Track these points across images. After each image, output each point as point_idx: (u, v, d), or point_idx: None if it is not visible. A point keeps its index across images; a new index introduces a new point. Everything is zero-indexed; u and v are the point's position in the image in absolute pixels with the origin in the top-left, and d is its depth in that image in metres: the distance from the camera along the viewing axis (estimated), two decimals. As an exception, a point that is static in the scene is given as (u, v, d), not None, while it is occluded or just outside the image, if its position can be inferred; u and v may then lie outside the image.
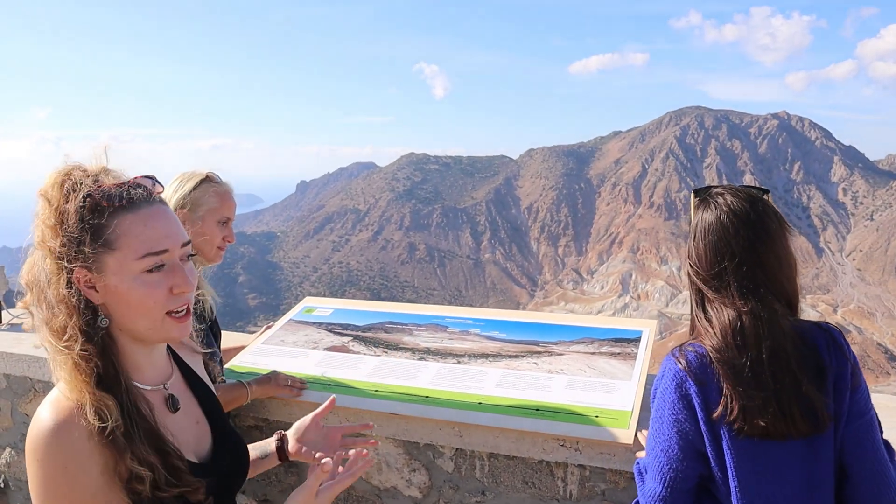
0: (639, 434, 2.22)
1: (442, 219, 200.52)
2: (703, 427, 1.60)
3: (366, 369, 2.81)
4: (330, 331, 3.16)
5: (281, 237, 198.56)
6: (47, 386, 3.41)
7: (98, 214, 1.27)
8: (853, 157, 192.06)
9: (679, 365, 1.63)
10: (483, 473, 2.57)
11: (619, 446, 2.30)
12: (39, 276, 1.29)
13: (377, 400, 2.61)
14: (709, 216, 1.75)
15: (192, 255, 1.37)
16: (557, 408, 2.44)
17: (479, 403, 2.51)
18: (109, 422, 1.22)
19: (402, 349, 2.94)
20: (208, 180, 2.48)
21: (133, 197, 1.30)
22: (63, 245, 1.25)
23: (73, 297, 1.27)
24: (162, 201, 1.36)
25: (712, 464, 1.61)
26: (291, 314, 3.38)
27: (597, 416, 2.37)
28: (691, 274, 1.75)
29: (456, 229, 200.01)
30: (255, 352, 3.02)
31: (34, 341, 2.82)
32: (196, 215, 2.42)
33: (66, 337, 1.25)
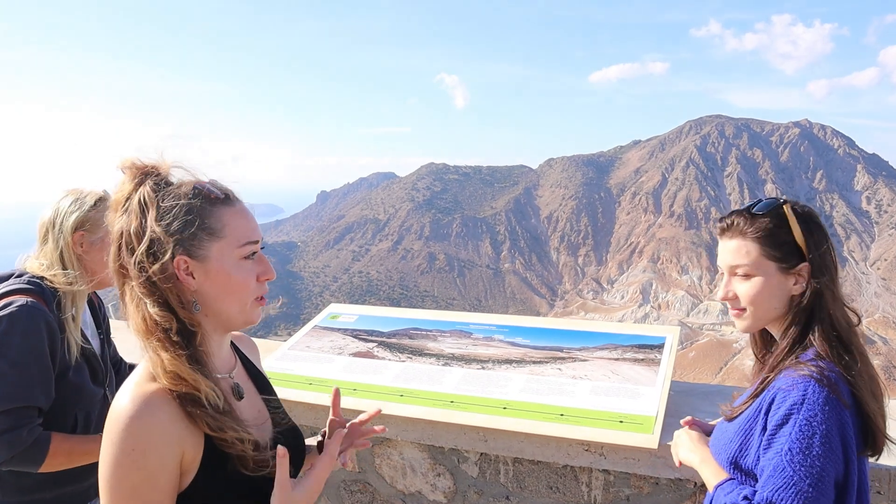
0: (682, 447, 1.99)
1: (461, 228, 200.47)
2: (850, 457, 1.55)
3: (390, 374, 2.84)
4: (355, 337, 3.20)
5: (301, 247, 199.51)
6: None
7: (207, 204, 1.41)
8: (877, 165, 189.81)
9: (835, 394, 1.56)
10: (507, 478, 2.59)
11: (643, 451, 2.31)
12: (130, 264, 1.38)
13: (402, 404, 2.64)
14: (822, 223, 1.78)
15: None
16: (582, 413, 2.45)
17: (504, 408, 2.53)
18: (220, 402, 1.34)
19: (426, 355, 2.96)
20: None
21: (229, 193, 1.45)
22: (165, 234, 1.36)
23: (170, 284, 1.37)
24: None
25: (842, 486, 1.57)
26: (317, 320, 3.42)
27: (621, 422, 2.38)
28: (820, 272, 1.70)
29: (475, 239, 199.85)
30: (282, 357, 3.06)
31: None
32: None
33: (162, 323, 1.35)
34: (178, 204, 1.38)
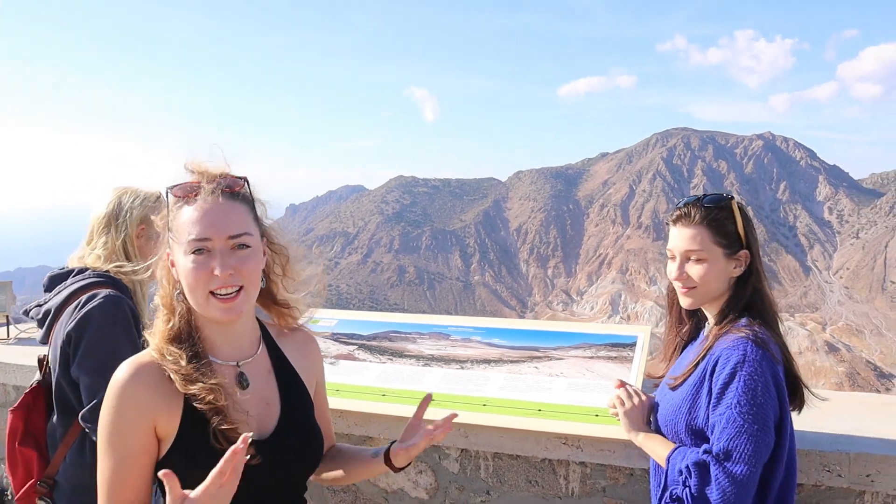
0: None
1: (431, 241, 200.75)
2: (784, 404, 1.83)
3: (372, 375, 2.90)
4: (336, 340, 3.26)
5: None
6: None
7: (173, 205, 1.54)
8: (838, 177, 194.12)
9: (769, 352, 1.82)
10: (488, 473, 2.67)
11: (618, 443, 2.40)
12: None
13: (385, 403, 2.70)
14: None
15: (244, 246, 1.52)
16: (558, 408, 2.54)
17: (484, 405, 2.61)
18: (181, 365, 1.49)
19: (406, 356, 3.04)
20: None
21: (193, 193, 1.53)
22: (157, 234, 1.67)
23: (165, 275, 1.58)
24: (226, 196, 1.54)
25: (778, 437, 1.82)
26: (296, 325, 3.47)
27: (596, 416, 2.48)
28: (755, 259, 1.97)
29: (445, 251, 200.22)
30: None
31: (41, 353, 2.89)
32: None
33: (162, 306, 1.58)
34: (148, 202, 1.68)
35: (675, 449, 1.91)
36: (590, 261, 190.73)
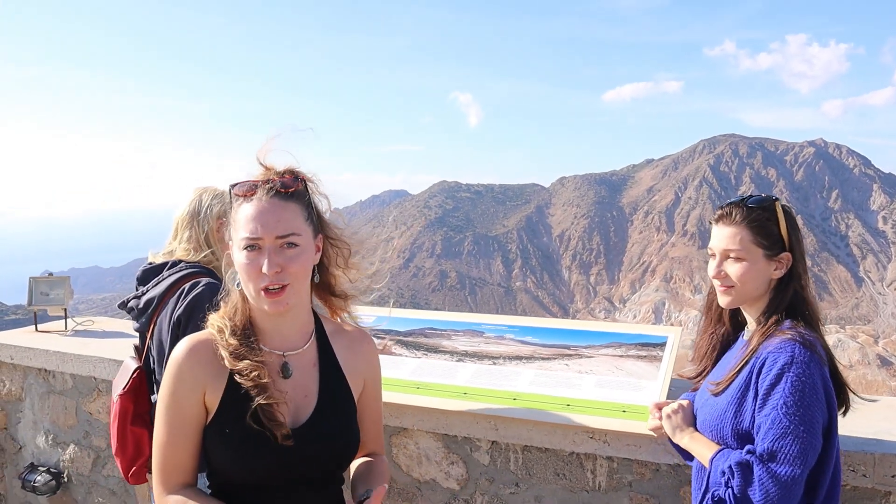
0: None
1: (473, 246, 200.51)
2: (833, 407, 1.83)
3: (407, 369, 3.02)
4: (373, 335, 3.37)
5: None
6: (110, 385, 3.67)
7: (234, 201, 1.69)
8: (893, 185, 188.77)
9: (817, 354, 1.82)
10: (517, 466, 2.76)
11: (645, 438, 2.47)
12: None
13: (419, 395, 2.82)
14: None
15: (292, 245, 1.64)
16: (587, 403, 2.62)
17: (514, 399, 2.70)
18: (233, 341, 1.66)
19: (441, 352, 3.14)
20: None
21: (253, 190, 1.66)
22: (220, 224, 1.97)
23: (228, 265, 1.75)
24: (280, 196, 1.66)
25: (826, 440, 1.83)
26: (336, 321, 3.61)
27: (624, 411, 2.55)
28: (798, 262, 1.98)
29: (487, 257, 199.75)
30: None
31: (99, 344, 3.05)
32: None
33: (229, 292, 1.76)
34: (225, 199, 1.77)
35: (720, 450, 1.90)
36: (633, 268, 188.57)
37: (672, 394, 2.67)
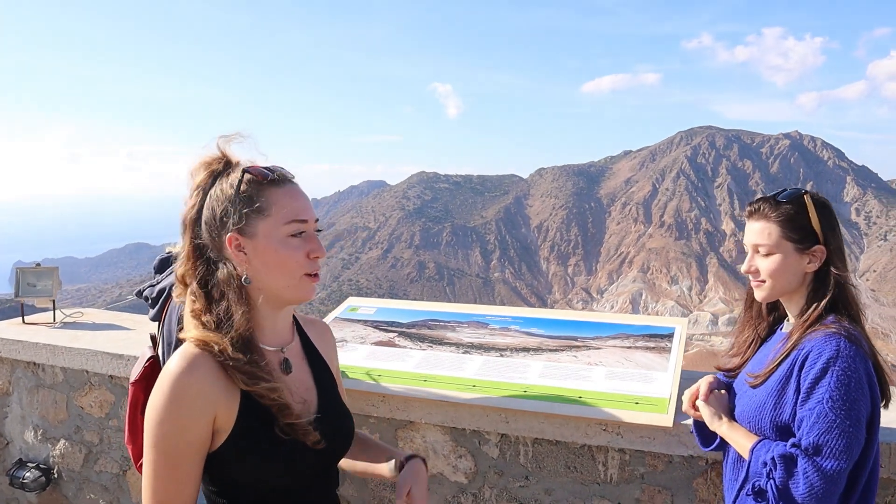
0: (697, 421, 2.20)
1: (451, 237, 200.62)
2: (876, 401, 1.82)
3: (413, 361, 2.97)
4: (375, 327, 3.33)
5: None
6: (102, 379, 3.59)
7: (258, 186, 1.55)
8: (866, 177, 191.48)
9: (862, 349, 1.81)
10: (527, 459, 2.72)
11: (658, 430, 2.45)
12: (190, 245, 1.57)
13: (427, 388, 2.77)
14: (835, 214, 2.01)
15: (319, 231, 1.62)
16: (599, 395, 2.59)
17: (525, 391, 2.66)
18: (242, 358, 1.49)
19: (446, 344, 3.10)
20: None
21: (279, 175, 1.58)
22: (223, 214, 1.54)
23: (223, 260, 1.55)
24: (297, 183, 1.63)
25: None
26: (336, 313, 3.55)
27: (637, 403, 2.52)
28: (834, 254, 1.95)
29: (465, 248, 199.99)
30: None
31: (91, 337, 2.96)
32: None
33: (201, 298, 1.54)
34: (231, 185, 1.54)
35: (760, 441, 1.89)
36: (611, 259, 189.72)
37: (683, 385, 2.66)
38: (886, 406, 1.93)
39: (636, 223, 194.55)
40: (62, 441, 3.82)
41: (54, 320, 4.17)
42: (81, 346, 3.62)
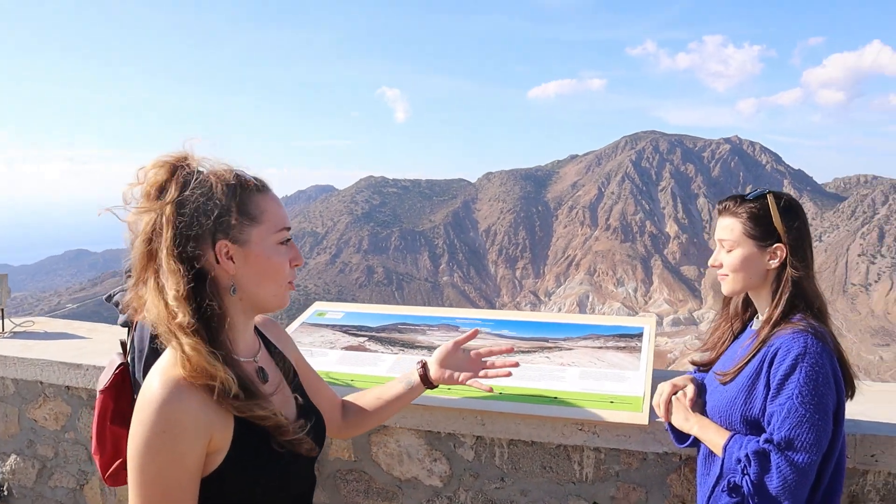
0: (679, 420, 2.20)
1: (400, 242, 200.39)
2: (841, 395, 1.88)
3: (385, 366, 2.94)
4: (344, 332, 3.29)
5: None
6: (58, 390, 3.47)
7: (246, 191, 1.47)
8: (802, 181, 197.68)
9: (828, 345, 1.87)
10: (503, 460, 2.72)
11: (634, 428, 2.48)
12: (164, 250, 1.40)
13: (401, 392, 2.73)
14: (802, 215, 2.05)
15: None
16: (574, 395, 2.60)
17: (500, 393, 2.66)
18: (233, 389, 1.37)
19: (417, 347, 3.08)
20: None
21: (263, 182, 1.52)
22: (207, 220, 1.41)
23: (205, 269, 1.43)
24: None
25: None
26: (303, 318, 3.49)
27: (612, 402, 2.54)
28: (796, 253, 1.98)
29: (414, 252, 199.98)
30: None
31: (44, 347, 2.86)
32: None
33: (182, 311, 1.37)
34: (220, 189, 1.42)
35: (732, 437, 1.92)
36: (558, 262, 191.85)
37: (655, 383, 2.69)
38: (851, 398, 2.00)
39: (583, 226, 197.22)
40: (13, 456, 3.68)
41: (3, 330, 4.01)
42: (34, 356, 3.50)
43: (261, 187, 1.50)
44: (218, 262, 1.43)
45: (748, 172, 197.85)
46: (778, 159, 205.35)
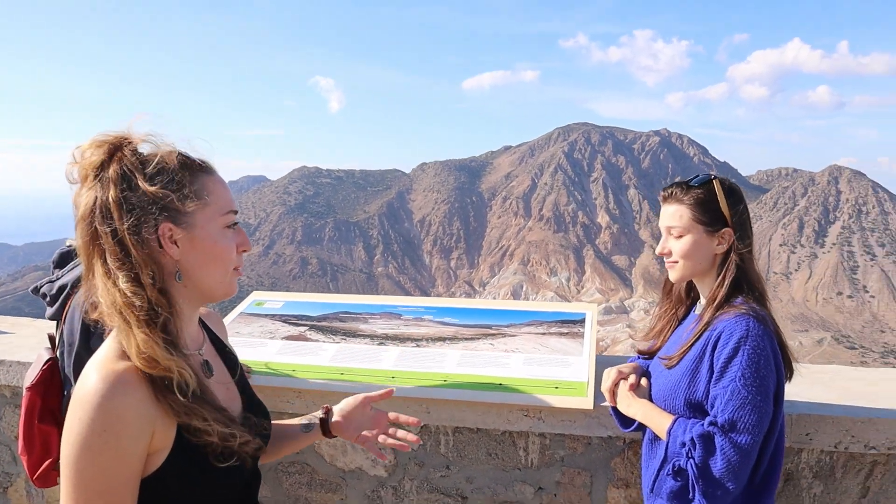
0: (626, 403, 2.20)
1: (334, 233, 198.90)
2: (781, 376, 1.92)
3: (327, 355, 2.88)
4: (284, 321, 3.22)
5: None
6: (15, 391, 3.28)
7: (191, 172, 1.39)
8: (727, 173, 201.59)
9: (769, 328, 1.89)
10: (448, 448, 2.70)
11: (579, 413, 2.49)
12: (105, 235, 1.32)
13: (344, 382, 2.70)
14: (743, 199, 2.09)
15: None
16: (519, 381, 2.60)
17: (445, 380, 2.64)
18: (193, 384, 1.31)
19: (360, 336, 3.03)
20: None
21: (209, 163, 1.44)
22: (149, 201, 1.33)
23: (149, 254, 1.33)
24: None
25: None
26: (242, 307, 3.40)
27: (556, 388, 2.55)
28: (741, 237, 2.02)
29: (349, 243, 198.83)
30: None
31: (50, 332, 2.70)
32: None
33: (135, 299, 1.30)
34: (163, 170, 1.34)
35: (676, 421, 1.94)
36: (492, 252, 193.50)
37: (599, 368, 2.71)
38: (790, 379, 2.04)
39: (516, 217, 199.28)
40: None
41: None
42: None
43: (206, 169, 1.42)
44: (161, 246, 1.34)
45: (677, 164, 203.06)
46: (705, 152, 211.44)
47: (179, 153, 1.40)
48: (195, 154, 1.44)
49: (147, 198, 1.33)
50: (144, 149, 1.39)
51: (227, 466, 1.36)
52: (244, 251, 1.49)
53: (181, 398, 1.28)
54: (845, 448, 2.37)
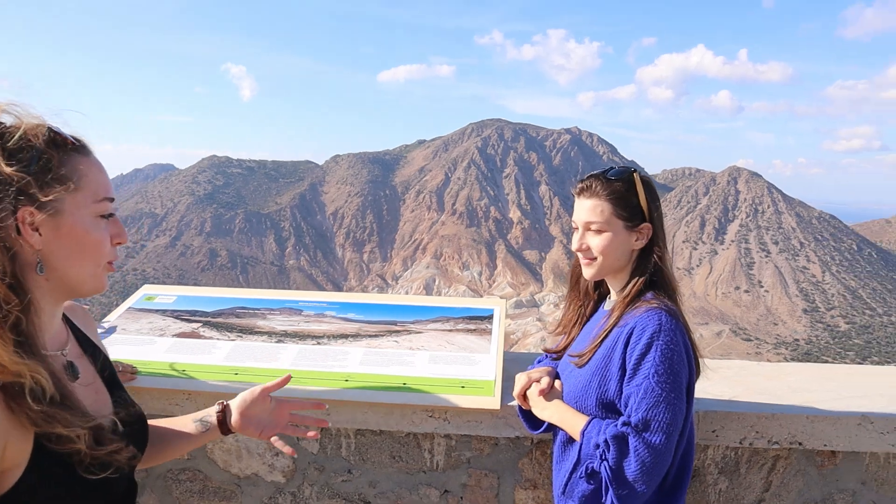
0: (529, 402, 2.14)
1: (245, 224, 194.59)
2: (692, 371, 1.86)
3: (221, 354, 2.70)
4: (176, 317, 3.01)
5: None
6: None
7: (61, 151, 1.22)
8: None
9: (681, 323, 1.84)
10: (349, 451, 2.57)
11: (485, 413, 2.40)
12: None
13: (238, 383, 2.52)
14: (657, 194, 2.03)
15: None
16: (424, 381, 2.49)
17: (346, 380, 2.51)
18: (49, 388, 1.14)
19: (257, 333, 2.86)
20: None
21: (83, 141, 1.27)
22: (6, 181, 1.16)
23: (2, 242, 1.16)
24: None
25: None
26: (129, 303, 3.17)
27: (462, 387, 2.46)
28: (658, 232, 1.96)
29: (259, 235, 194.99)
30: (95, 340, 2.80)
31: None
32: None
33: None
34: (26, 146, 1.17)
35: (590, 422, 1.86)
36: (405, 246, 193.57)
37: (507, 367, 2.64)
38: (698, 376, 1.99)
39: (430, 211, 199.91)
40: None
41: None
42: None
43: (80, 148, 1.26)
44: (20, 233, 1.17)
45: (587, 162, 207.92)
46: (614, 150, 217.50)
47: (48, 127, 1.22)
48: (68, 130, 1.26)
49: (3, 177, 1.15)
50: (6, 120, 1.20)
51: (97, 481, 1.19)
52: (119, 243, 1.32)
53: (35, 406, 1.11)
54: (750, 444, 2.37)
